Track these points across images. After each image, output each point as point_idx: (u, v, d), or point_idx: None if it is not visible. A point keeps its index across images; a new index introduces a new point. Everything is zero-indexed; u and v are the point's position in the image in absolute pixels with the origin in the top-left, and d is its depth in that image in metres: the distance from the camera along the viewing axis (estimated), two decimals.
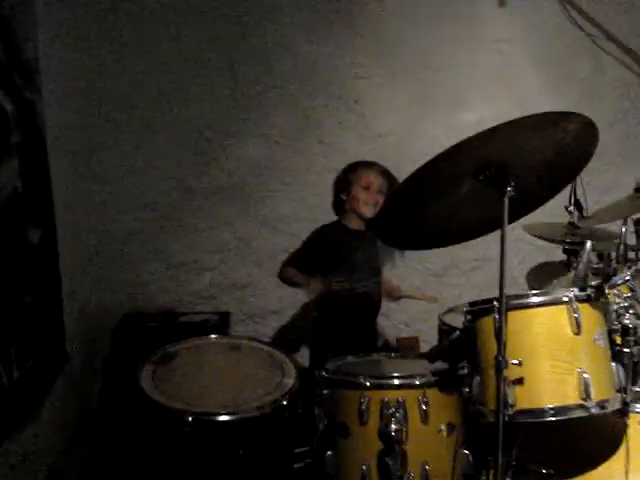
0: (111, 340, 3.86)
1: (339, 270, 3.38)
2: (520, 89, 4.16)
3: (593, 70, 4.23)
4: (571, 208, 3.42)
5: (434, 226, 2.34)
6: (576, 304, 2.18)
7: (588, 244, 2.24)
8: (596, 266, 2.31)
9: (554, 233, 3.45)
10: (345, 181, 3.46)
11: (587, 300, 2.22)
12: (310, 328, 3.67)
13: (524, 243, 4.05)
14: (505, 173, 2.08)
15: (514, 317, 2.17)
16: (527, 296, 2.24)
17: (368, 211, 3.39)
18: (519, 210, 2.32)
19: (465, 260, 4.32)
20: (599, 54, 4.22)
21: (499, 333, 2.09)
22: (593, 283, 2.26)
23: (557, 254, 4.00)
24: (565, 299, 2.19)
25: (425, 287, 4.29)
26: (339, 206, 3.52)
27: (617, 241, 2.98)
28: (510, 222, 2.15)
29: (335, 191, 3.53)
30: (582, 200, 3.47)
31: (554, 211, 3.15)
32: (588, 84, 4.22)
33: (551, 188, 2.38)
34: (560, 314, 2.19)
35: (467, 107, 4.14)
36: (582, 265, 2.23)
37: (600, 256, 3.47)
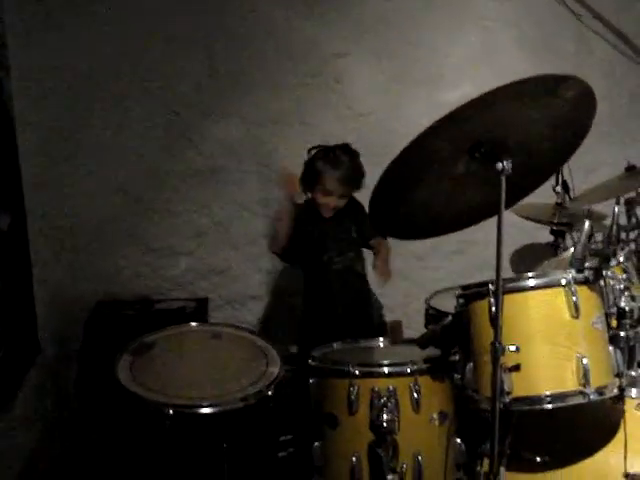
0: (85, 329, 3.72)
1: (317, 248, 3.28)
2: (504, 67, 4.07)
3: (578, 48, 4.17)
4: (558, 188, 3.36)
5: (429, 213, 2.21)
6: (574, 286, 2.11)
7: (587, 224, 2.16)
8: (594, 247, 2.23)
9: (541, 214, 3.40)
10: (311, 173, 3.25)
11: (585, 282, 2.16)
12: (290, 313, 3.56)
13: (507, 225, 3.94)
14: (500, 149, 1.97)
15: (510, 300, 2.09)
16: (523, 279, 2.16)
17: (326, 213, 3.26)
18: (516, 193, 2.22)
19: (448, 243, 4.23)
20: (584, 32, 4.15)
21: (495, 318, 2.00)
22: (591, 265, 2.18)
23: (541, 236, 3.95)
24: (563, 281, 2.12)
25: (408, 270, 4.21)
26: (310, 187, 3.32)
27: (606, 222, 2.91)
28: (507, 206, 2.06)
29: (302, 175, 3.31)
30: (568, 180, 3.41)
31: (539, 192, 3.08)
32: (573, 63, 4.15)
33: (548, 166, 2.28)
34: (558, 297, 2.12)
35: (450, 86, 4.04)
36: (580, 246, 2.15)
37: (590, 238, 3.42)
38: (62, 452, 3.40)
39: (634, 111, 4.27)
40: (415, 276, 4.25)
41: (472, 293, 2.23)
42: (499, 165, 1.91)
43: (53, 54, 3.68)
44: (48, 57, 3.66)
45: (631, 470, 2.16)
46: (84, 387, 3.69)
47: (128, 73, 3.79)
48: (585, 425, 2.35)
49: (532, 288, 2.14)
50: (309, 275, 3.36)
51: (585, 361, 2.06)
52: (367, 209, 2.15)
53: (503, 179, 1.95)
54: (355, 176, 3.24)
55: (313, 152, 3.28)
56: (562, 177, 3.35)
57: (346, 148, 3.26)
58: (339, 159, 3.21)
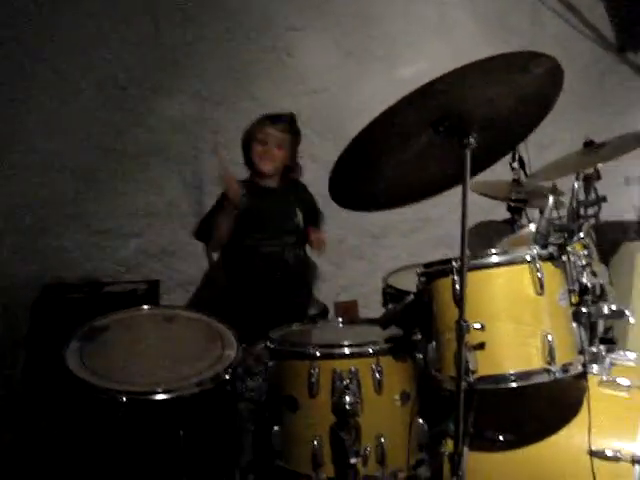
0: (31, 314, 3.59)
1: (250, 228, 3.21)
2: (458, 42, 4.06)
3: (532, 24, 4.16)
4: (515, 165, 3.33)
5: (390, 185, 2.16)
6: (539, 263, 2.07)
7: (551, 199, 2.12)
8: (558, 222, 2.19)
9: (498, 191, 3.37)
10: (246, 135, 3.28)
11: (550, 259, 2.11)
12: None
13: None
14: (466, 123, 1.92)
15: (473, 278, 2.04)
16: (487, 255, 2.10)
17: (265, 166, 3.23)
18: (476, 165, 2.17)
19: (403, 221, 4.21)
20: (538, 7, 4.15)
21: (460, 295, 1.95)
22: (555, 240, 2.14)
23: (496, 213, 3.94)
24: (527, 258, 2.07)
25: (363, 248, 4.17)
26: (250, 161, 3.32)
27: (564, 198, 2.89)
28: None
29: (242, 145, 3.33)
30: (524, 157, 3.39)
31: (495, 169, 3.05)
32: (527, 38, 4.15)
33: (510, 140, 2.24)
34: (522, 274, 2.08)
35: (404, 61, 4.01)
36: (544, 221, 2.11)
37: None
38: (11, 441, 3.27)
39: (587, 87, 4.28)
40: (370, 255, 4.22)
41: (435, 271, 2.17)
42: (470, 140, 1.87)
43: None
44: None
45: (595, 447, 2.14)
46: (32, 373, 3.56)
47: (72, 45, 3.65)
48: (548, 403, 2.32)
49: (496, 265, 2.09)
50: (232, 257, 3.30)
51: (550, 338, 2.03)
52: (327, 182, 2.08)
53: (468, 153, 1.90)
54: (292, 127, 3.24)
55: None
56: (518, 153, 3.32)
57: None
58: (274, 114, 3.25)
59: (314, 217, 3.41)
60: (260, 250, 3.21)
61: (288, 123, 3.25)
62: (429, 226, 4.18)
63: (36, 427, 3.29)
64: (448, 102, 1.88)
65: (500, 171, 3.17)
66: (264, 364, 2.42)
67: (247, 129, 3.29)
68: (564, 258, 2.15)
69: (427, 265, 2.22)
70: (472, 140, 1.90)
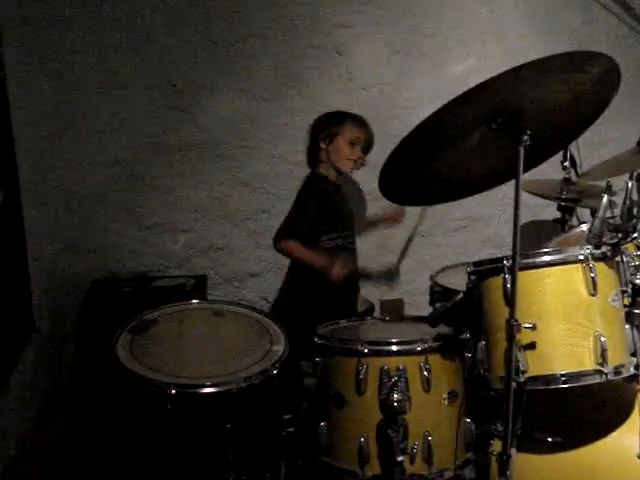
0: (82, 307, 3.66)
1: (329, 225, 3.20)
2: (508, 40, 4.00)
3: (584, 21, 4.10)
4: (566, 164, 3.28)
5: (440, 180, 2.16)
6: (592, 263, 2.04)
7: (605, 199, 2.08)
8: (612, 222, 2.15)
9: (549, 190, 3.32)
10: (328, 130, 3.23)
11: (603, 259, 2.08)
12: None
13: (511, 201, 3.89)
14: (519, 120, 1.90)
15: (525, 277, 2.02)
16: (540, 254, 2.08)
17: (348, 167, 3.24)
18: (527, 163, 2.14)
19: (451, 219, 4.18)
20: (590, 4, 4.07)
21: (511, 295, 1.93)
22: (609, 240, 2.11)
23: (545, 213, 3.89)
24: (581, 257, 2.04)
25: (410, 247, 4.15)
26: (314, 155, 3.31)
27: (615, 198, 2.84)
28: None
29: (313, 137, 3.30)
30: (575, 156, 3.34)
31: (546, 168, 3.02)
32: (578, 35, 4.08)
33: (562, 139, 2.21)
34: (575, 273, 2.05)
35: (453, 58, 3.98)
36: (598, 221, 2.07)
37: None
38: (59, 432, 3.33)
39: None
40: (417, 253, 4.19)
41: (485, 269, 2.15)
42: (524, 137, 1.84)
43: (46, 26, 3.58)
44: (41, 29, 3.57)
45: None
46: (81, 366, 3.63)
47: (125, 45, 3.70)
48: (598, 405, 2.30)
49: (548, 264, 2.06)
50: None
51: (603, 339, 2.00)
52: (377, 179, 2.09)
53: (521, 150, 1.88)
54: (371, 136, 3.27)
55: (315, 120, 3.31)
56: (570, 152, 3.28)
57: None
58: (358, 116, 3.28)
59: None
60: (334, 246, 3.21)
61: (369, 128, 3.28)
62: (476, 225, 4.14)
63: (85, 418, 3.34)
64: (503, 99, 1.87)
65: (549, 170, 3.14)
66: None
67: (321, 124, 3.27)
68: (617, 259, 2.12)
69: (477, 264, 2.20)
70: (526, 137, 1.87)
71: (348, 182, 3.48)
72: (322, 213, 3.16)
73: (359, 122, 3.25)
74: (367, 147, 3.28)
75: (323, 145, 3.23)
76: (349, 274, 3.10)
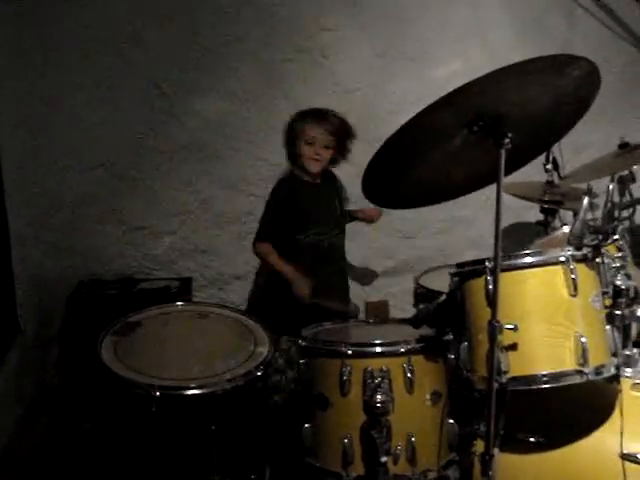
0: (66, 309, 3.65)
1: (302, 224, 3.22)
2: (493, 43, 4.03)
3: (567, 25, 4.13)
4: (548, 166, 3.32)
5: (422, 183, 2.17)
6: (573, 264, 2.06)
7: (585, 200, 2.10)
8: (593, 224, 2.18)
9: (532, 192, 3.36)
10: (291, 132, 3.27)
11: (584, 260, 2.10)
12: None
13: (493, 202, 3.91)
14: (500, 124, 1.92)
15: (507, 278, 2.04)
16: (521, 256, 2.10)
17: (313, 166, 3.24)
18: (509, 166, 2.16)
19: (434, 221, 4.20)
20: (574, 9, 4.11)
21: (493, 296, 1.95)
22: (589, 242, 2.13)
23: (528, 215, 3.92)
24: (562, 259, 2.06)
25: (393, 249, 4.17)
26: (293, 156, 3.32)
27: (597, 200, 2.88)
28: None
29: (284, 142, 3.33)
30: (558, 159, 3.37)
31: (528, 170, 3.04)
32: (562, 39, 4.12)
33: (543, 142, 2.23)
34: (556, 275, 2.07)
35: (437, 61, 4.00)
36: (579, 223, 2.09)
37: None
38: (45, 434, 3.32)
39: (622, 90, 4.23)
40: (400, 255, 4.21)
41: (468, 271, 2.17)
42: (505, 140, 1.86)
43: (33, 23, 3.57)
44: (24, 25, 3.55)
45: (627, 450, 2.13)
46: (66, 368, 3.62)
47: (110, 45, 3.69)
48: (580, 405, 2.31)
49: (530, 266, 2.08)
50: (282, 253, 3.23)
51: (584, 340, 2.02)
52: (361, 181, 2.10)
53: (503, 153, 1.90)
54: (340, 127, 3.23)
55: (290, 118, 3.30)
56: (552, 155, 3.31)
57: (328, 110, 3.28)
58: (320, 111, 3.24)
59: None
60: (313, 244, 3.23)
61: (332, 121, 3.23)
62: (460, 227, 4.17)
63: (70, 420, 3.33)
64: (484, 103, 1.88)
65: (531, 172, 3.17)
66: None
67: (291, 124, 3.28)
68: (598, 260, 2.14)
69: (460, 265, 2.22)
70: (507, 140, 1.89)
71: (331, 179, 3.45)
72: (291, 213, 3.20)
73: (316, 118, 3.22)
74: (336, 140, 3.24)
75: (292, 147, 3.28)
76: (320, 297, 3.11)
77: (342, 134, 3.25)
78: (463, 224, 4.19)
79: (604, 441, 2.19)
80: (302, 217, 3.24)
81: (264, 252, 3.22)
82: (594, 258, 2.12)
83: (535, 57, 1.78)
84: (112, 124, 3.76)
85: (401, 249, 4.21)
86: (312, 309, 3.07)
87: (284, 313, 3.08)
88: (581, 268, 2.08)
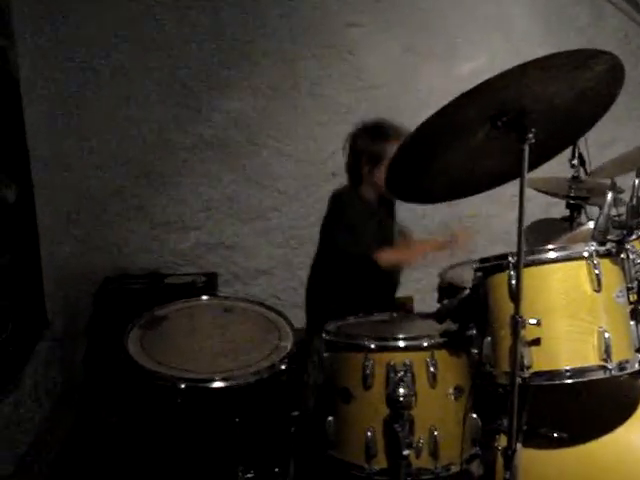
0: (94, 303, 3.70)
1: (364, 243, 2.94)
2: (517, 39, 4.01)
3: (593, 19, 4.10)
4: (575, 162, 3.29)
5: (445, 178, 2.17)
6: (597, 259, 2.05)
7: (609, 196, 2.09)
8: (617, 219, 2.16)
9: (558, 188, 3.33)
10: (372, 151, 2.93)
11: (608, 255, 2.10)
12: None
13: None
14: (524, 118, 1.91)
15: (530, 273, 2.04)
16: (544, 251, 2.09)
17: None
18: (533, 161, 2.15)
19: (460, 218, 4.18)
20: (599, 2, 4.07)
21: (516, 291, 1.95)
22: (614, 237, 2.12)
23: (554, 211, 3.89)
24: (585, 254, 2.06)
25: None
26: (355, 172, 3.03)
27: (623, 196, 2.85)
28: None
29: (355, 155, 3.02)
30: (584, 154, 3.35)
31: (555, 165, 3.02)
32: (587, 33, 4.09)
33: (567, 137, 2.22)
34: (579, 270, 2.06)
35: (463, 57, 3.99)
36: (603, 218, 2.08)
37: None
38: (72, 426, 3.37)
39: None
40: None
41: (491, 266, 2.17)
42: (529, 135, 1.86)
43: (59, 24, 3.62)
44: (54, 25, 3.60)
45: None
46: (93, 361, 3.67)
47: (135, 43, 3.73)
48: (604, 401, 2.30)
49: (553, 261, 2.08)
50: (343, 267, 3.05)
51: (607, 335, 2.01)
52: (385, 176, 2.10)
53: (526, 148, 1.89)
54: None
55: (356, 133, 3.00)
56: (578, 151, 3.28)
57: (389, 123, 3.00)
58: (392, 128, 2.94)
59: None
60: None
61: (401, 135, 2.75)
62: (485, 223, 4.15)
63: (97, 412, 3.38)
64: (508, 97, 1.88)
65: (558, 168, 3.15)
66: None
67: (362, 140, 2.98)
68: (622, 255, 2.13)
69: (483, 260, 2.22)
70: (531, 135, 1.89)
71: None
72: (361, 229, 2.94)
73: (400, 137, 2.68)
74: None
75: (366, 166, 2.97)
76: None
77: None
78: (489, 220, 4.18)
79: (628, 436, 2.19)
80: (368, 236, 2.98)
81: (386, 259, 2.90)
82: (618, 253, 2.11)
83: (559, 51, 1.77)
84: (139, 120, 3.80)
85: None
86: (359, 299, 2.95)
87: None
88: (605, 263, 2.07)
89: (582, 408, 2.32)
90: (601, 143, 3.83)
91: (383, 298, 3.15)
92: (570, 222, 3.40)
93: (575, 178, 3.30)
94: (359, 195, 3.06)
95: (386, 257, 2.92)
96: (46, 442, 3.20)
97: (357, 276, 3.02)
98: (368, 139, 2.98)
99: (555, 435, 2.25)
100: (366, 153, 2.97)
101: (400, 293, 4.19)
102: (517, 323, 1.94)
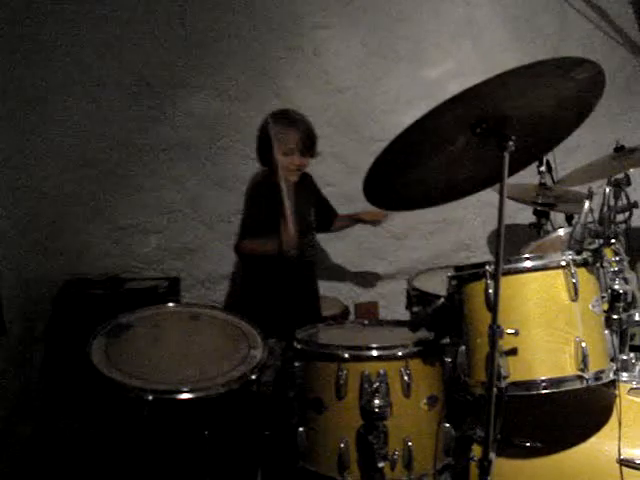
0: (52, 309, 3.58)
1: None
2: (485, 43, 4.01)
3: (560, 26, 4.11)
4: (542, 169, 3.30)
5: (424, 185, 2.14)
6: (574, 268, 2.04)
7: (587, 204, 2.09)
8: (593, 228, 2.16)
9: (525, 194, 3.33)
10: (265, 142, 3.07)
11: (584, 264, 2.09)
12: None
13: (485, 204, 3.91)
14: (504, 126, 1.89)
15: (507, 282, 2.02)
16: (521, 260, 2.08)
17: (293, 176, 3.10)
18: (509, 168, 2.14)
19: (425, 222, 4.17)
20: (567, 10, 4.10)
21: (494, 300, 1.92)
22: (589, 246, 2.11)
23: (520, 217, 3.90)
24: (563, 263, 2.04)
25: (384, 250, 4.14)
26: (268, 163, 3.12)
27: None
28: (494, 183, 1.99)
29: (258, 147, 3.18)
30: (551, 161, 3.36)
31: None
32: (555, 40, 4.10)
33: (546, 144, 2.21)
34: (556, 279, 2.05)
35: (430, 61, 3.96)
36: (579, 227, 2.08)
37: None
38: (31, 437, 3.26)
39: (614, 91, 4.23)
40: (391, 256, 4.18)
41: (467, 274, 2.14)
42: (509, 143, 1.83)
43: (15, 20, 3.51)
44: (10, 23, 3.49)
45: (625, 456, 2.11)
46: (52, 369, 3.56)
47: (96, 41, 3.63)
48: (577, 410, 2.30)
49: (530, 270, 2.06)
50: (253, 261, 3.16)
51: (584, 345, 2.00)
52: (363, 183, 2.06)
53: (507, 156, 1.87)
54: (310, 134, 3.12)
55: (265, 120, 3.13)
56: (546, 157, 3.29)
57: (294, 111, 3.19)
58: (292, 117, 3.12)
59: (326, 207, 3.43)
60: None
61: (301, 126, 3.10)
62: (450, 228, 4.14)
63: (56, 421, 3.27)
64: (488, 105, 1.85)
65: (525, 174, 3.15)
66: (276, 358, 2.40)
67: (264, 129, 3.10)
68: (597, 264, 2.12)
69: (459, 268, 2.19)
70: (511, 143, 1.87)
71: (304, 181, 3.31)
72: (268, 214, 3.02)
73: (288, 128, 3.08)
74: (307, 146, 3.11)
75: (267, 154, 3.09)
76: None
77: (312, 136, 3.13)
78: (454, 225, 4.16)
79: (602, 446, 2.18)
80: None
81: (249, 248, 3.08)
82: (594, 262, 2.10)
83: (543, 59, 1.75)
84: (100, 121, 3.70)
85: (390, 250, 4.18)
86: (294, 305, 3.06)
87: (264, 314, 2.95)
88: (582, 272, 2.07)
89: (555, 417, 2.31)
90: (566, 149, 3.84)
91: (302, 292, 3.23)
92: (537, 229, 3.41)
93: (542, 185, 3.31)
94: (268, 180, 3.10)
95: (243, 246, 3.09)
96: (3, 453, 3.09)
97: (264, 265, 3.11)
98: (260, 137, 3.15)
99: (529, 444, 2.24)
100: (262, 142, 3.13)
101: (364, 298, 4.19)
102: (495, 332, 1.91)
